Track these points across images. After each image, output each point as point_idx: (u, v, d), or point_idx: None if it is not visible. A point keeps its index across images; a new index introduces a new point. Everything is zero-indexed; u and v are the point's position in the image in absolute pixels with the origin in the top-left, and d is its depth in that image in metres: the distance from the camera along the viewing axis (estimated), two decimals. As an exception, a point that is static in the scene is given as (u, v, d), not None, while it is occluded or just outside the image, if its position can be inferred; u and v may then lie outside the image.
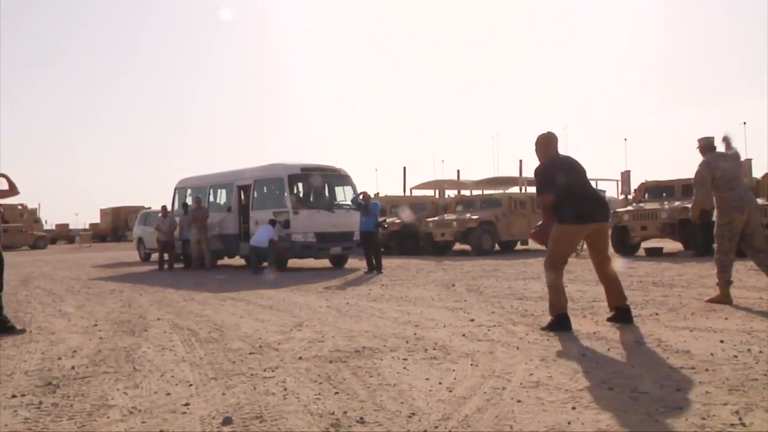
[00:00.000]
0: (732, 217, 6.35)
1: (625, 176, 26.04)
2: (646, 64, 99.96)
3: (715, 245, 6.56)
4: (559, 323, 5.27)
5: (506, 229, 17.49)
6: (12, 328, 6.02)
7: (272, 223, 13.39)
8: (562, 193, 5.34)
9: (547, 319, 5.51)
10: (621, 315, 5.51)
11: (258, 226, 13.63)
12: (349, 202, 14.11)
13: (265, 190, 14.70)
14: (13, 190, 6.33)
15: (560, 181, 5.37)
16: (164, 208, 16.58)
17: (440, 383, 3.71)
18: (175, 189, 17.74)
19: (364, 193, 13.28)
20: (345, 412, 3.20)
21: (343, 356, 4.55)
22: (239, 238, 15.01)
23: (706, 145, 6.64)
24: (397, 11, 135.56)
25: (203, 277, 12.87)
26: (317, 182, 14.38)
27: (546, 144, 5.56)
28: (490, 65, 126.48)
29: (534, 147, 5.60)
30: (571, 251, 5.64)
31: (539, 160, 5.61)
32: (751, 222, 6.38)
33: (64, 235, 49.78)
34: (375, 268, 12.50)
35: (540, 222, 5.68)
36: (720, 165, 6.46)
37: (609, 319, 5.59)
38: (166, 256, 15.69)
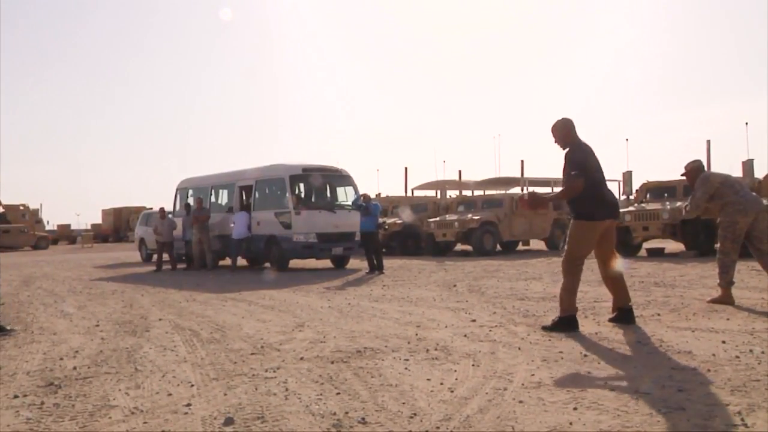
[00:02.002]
0: (735, 219, 6.33)
1: (627, 176, 26.01)
2: (648, 64, 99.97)
3: (717, 246, 6.55)
4: (567, 323, 5.23)
5: (508, 230, 17.46)
6: (2, 328, 6.05)
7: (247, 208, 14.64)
8: (588, 185, 5.14)
9: (548, 319, 5.49)
10: (624, 315, 5.46)
11: (237, 221, 14.36)
12: (351, 203, 14.21)
13: (267, 191, 14.71)
14: None
15: (591, 171, 5.16)
16: (162, 210, 16.53)
17: (442, 384, 3.71)
18: (177, 189, 17.75)
19: (365, 195, 13.43)
20: (346, 413, 3.20)
21: (344, 357, 4.55)
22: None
23: (698, 168, 6.64)
24: (399, 11, 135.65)
25: (205, 278, 12.87)
26: (319, 183, 14.40)
27: (568, 129, 5.33)
28: (491, 65, 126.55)
29: (553, 133, 5.39)
30: (590, 250, 5.42)
31: (562, 145, 5.39)
32: (758, 225, 6.35)
33: (65, 235, 49.80)
34: (376, 268, 12.60)
35: (534, 192, 5.41)
36: (719, 174, 6.57)
37: (611, 320, 5.54)
38: (166, 257, 15.74)
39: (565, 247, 5.44)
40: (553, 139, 5.43)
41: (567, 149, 5.37)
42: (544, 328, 5.31)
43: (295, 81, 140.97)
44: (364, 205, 12.99)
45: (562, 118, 5.39)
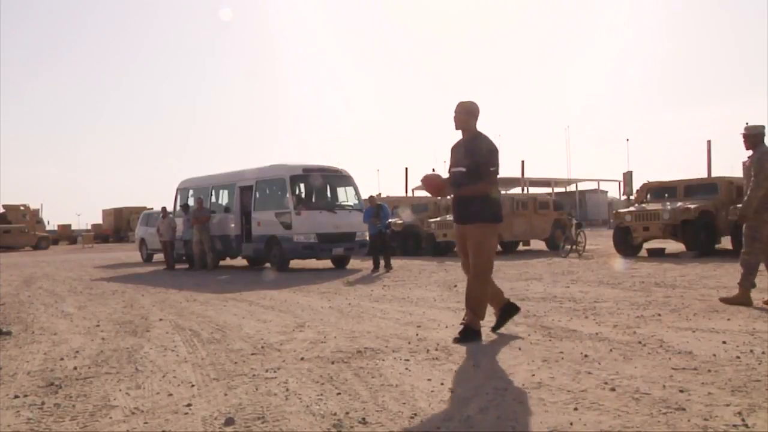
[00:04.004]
0: (765, 218, 6.24)
1: (627, 177, 26.05)
2: (649, 64, 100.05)
3: (743, 249, 6.34)
4: (477, 333, 4.99)
5: (508, 230, 17.44)
6: None
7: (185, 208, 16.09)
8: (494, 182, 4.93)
9: (549, 319, 5.48)
10: (507, 309, 5.28)
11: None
12: (351, 204, 14.33)
13: (267, 191, 14.72)
14: None
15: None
16: (164, 209, 16.76)
17: (442, 384, 3.71)
18: (177, 189, 17.77)
19: (371, 197, 13.71)
20: (347, 413, 3.20)
21: (345, 357, 4.55)
22: (241, 238, 15.05)
23: (760, 135, 6.28)
24: (399, 12, 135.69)
25: (205, 278, 12.88)
26: (319, 183, 14.42)
27: (475, 114, 5.01)
28: (492, 66, 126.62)
29: (459, 113, 5.02)
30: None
31: (462, 128, 5.05)
32: None
33: (66, 235, 49.87)
34: (386, 266, 12.90)
35: (444, 179, 5.05)
36: None
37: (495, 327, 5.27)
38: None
39: (475, 259, 4.94)
40: (455, 117, 5.03)
41: (469, 136, 5.03)
42: (456, 341, 4.88)
43: (295, 81, 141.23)
44: (374, 208, 13.27)
45: (471, 101, 5.06)
